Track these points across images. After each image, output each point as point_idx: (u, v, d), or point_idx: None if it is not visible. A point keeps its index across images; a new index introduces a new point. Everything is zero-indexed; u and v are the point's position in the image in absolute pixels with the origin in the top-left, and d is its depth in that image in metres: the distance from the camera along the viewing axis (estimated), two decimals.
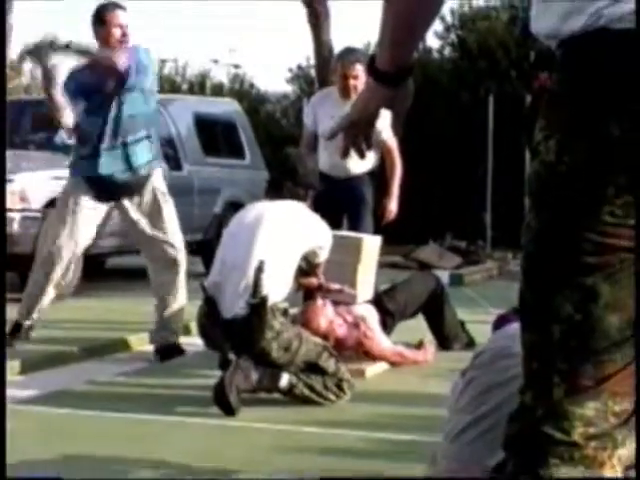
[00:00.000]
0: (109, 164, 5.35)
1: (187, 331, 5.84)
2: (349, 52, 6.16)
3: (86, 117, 5.38)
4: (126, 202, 5.45)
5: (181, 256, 5.48)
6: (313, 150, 5.98)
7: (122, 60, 5.20)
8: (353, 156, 1.97)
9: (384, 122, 5.72)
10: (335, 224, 5.21)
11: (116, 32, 5.33)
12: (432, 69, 15.00)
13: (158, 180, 5.52)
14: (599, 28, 1.49)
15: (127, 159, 5.36)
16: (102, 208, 5.46)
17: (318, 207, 5.01)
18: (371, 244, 5.40)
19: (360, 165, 5.94)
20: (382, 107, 1.86)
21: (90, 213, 5.40)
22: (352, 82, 5.88)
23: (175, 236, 5.49)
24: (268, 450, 3.68)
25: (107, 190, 5.39)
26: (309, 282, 4.80)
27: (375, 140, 5.75)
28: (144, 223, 5.44)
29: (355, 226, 5.89)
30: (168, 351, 5.43)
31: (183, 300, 5.48)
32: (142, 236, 5.48)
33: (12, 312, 5.56)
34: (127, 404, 4.40)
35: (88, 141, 5.40)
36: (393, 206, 6.12)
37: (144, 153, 5.43)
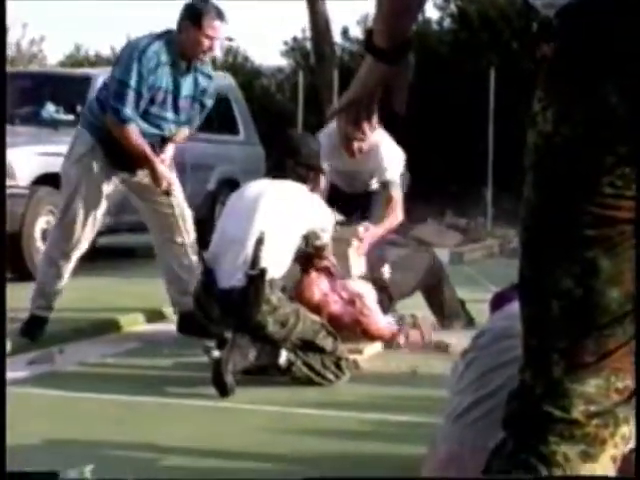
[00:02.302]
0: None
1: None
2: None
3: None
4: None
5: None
6: None
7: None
8: None
9: (394, 164, 5.70)
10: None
11: (205, 43, 5.24)
12: (431, 41, 15.00)
13: None
14: None
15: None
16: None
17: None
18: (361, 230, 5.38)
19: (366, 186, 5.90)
20: (382, 83, 1.84)
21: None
22: (356, 144, 5.62)
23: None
24: (263, 432, 3.69)
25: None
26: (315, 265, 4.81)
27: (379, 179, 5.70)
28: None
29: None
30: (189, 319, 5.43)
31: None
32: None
33: None
34: (118, 385, 4.42)
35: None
36: (371, 239, 5.54)
37: None
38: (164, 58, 5.21)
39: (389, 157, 5.66)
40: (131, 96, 5.13)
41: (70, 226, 5.30)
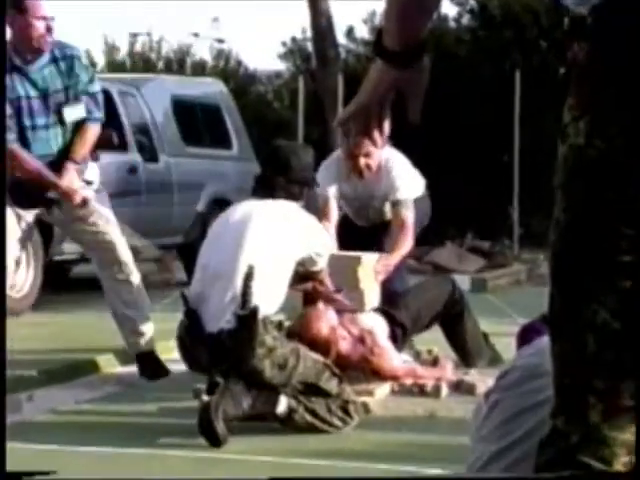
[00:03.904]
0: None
1: (166, 350, 5.83)
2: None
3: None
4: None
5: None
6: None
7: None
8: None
9: (405, 181, 5.70)
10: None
11: (39, 26, 5.24)
12: (448, 40, 15.06)
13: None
14: None
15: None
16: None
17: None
18: (369, 260, 5.40)
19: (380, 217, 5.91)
20: (394, 89, 1.84)
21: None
22: (363, 160, 5.62)
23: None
24: None
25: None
26: (304, 287, 4.81)
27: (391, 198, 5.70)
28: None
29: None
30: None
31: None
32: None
33: None
34: (96, 436, 4.40)
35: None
36: (388, 269, 5.57)
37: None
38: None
39: (401, 175, 5.69)
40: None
41: None
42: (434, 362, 5.46)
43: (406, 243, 5.65)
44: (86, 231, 5.50)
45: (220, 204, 9.98)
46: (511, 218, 12.75)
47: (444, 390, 5.08)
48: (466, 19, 16.02)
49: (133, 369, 5.85)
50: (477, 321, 5.74)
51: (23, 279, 7.88)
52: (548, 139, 11.88)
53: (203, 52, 22.06)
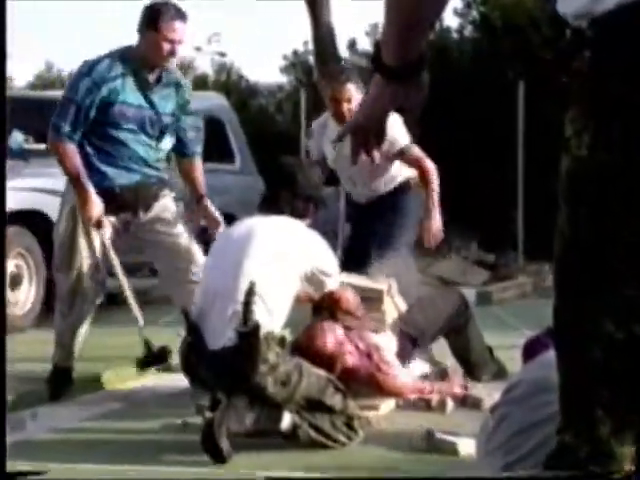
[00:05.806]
0: None
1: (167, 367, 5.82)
2: (334, 71, 6.16)
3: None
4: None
5: None
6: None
7: None
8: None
9: (397, 130, 5.72)
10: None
11: (165, 47, 5.31)
12: (450, 52, 15.05)
13: None
14: (636, 2, 1.48)
15: None
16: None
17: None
18: (392, 289, 5.45)
19: (383, 186, 6.01)
20: (393, 105, 1.84)
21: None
22: (346, 106, 5.77)
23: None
24: None
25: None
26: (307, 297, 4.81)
27: (393, 152, 5.76)
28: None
29: (385, 244, 5.88)
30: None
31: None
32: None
33: None
34: (98, 453, 4.38)
35: None
36: (435, 225, 6.00)
37: None
38: (119, 69, 5.29)
39: (393, 125, 5.65)
40: (72, 111, 5.23)
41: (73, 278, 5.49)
42: (443, 375, 5.43)
43: (431, 176, 5.88)
44: (179, 235, 5.85)
45: (223, 218, 9.98)
46: (516, 229, 12.72)
47: (449, 405, 5.06)
48: (468, 30, 16.03)
49: (136, 385, 5.85)
50: (482, 334, 5.71)
51: (25, 295, 7.87)
52: (552, 150, 11.84)
53: (205, 66, 22.11)
